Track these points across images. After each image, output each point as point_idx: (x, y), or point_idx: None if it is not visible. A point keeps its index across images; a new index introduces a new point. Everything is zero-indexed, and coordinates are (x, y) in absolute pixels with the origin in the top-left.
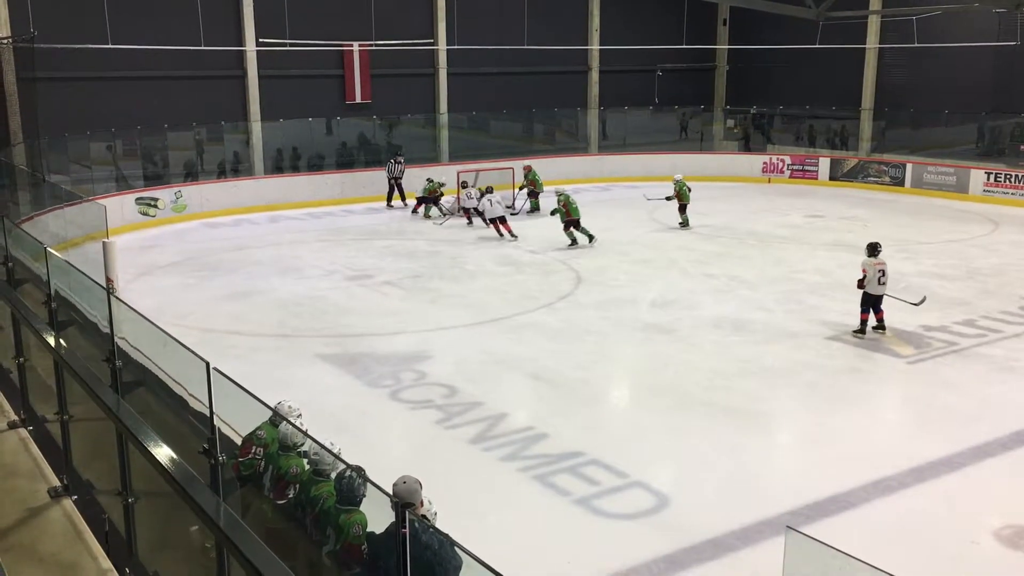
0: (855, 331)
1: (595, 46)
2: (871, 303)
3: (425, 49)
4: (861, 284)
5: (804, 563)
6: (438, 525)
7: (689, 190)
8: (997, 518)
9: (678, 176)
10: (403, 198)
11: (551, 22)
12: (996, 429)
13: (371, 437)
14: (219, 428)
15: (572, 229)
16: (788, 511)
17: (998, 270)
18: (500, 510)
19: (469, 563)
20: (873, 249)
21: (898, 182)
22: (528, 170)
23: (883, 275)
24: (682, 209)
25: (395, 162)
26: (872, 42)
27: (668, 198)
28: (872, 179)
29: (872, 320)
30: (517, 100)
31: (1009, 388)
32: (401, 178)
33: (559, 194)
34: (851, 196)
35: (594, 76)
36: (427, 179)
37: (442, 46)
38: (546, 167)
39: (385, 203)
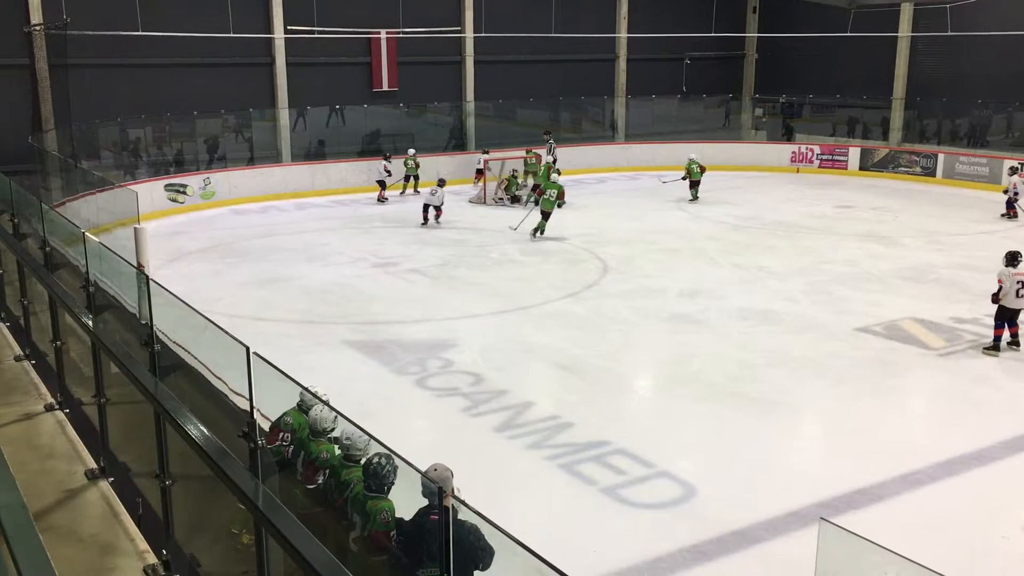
0: (987, 348)
1: (623, 34)
2: (1007, 317)
3: (452, 37)
4: (996, 298)
5: (838, 555)
6: (463, 514)
7: (700, 169)
8: None
9: (692, 155)
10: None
11: (579, 10)
12: None
13: (397, 424)
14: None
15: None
16: (816, 503)
17: None
18: (525, 499)
19: (513, 548)
20: (1013, 258)
21: (929, 172)
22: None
23: (1023, 287)
24: (691, 185)
25: (547, 141)
26: (904, 31)
27: (683, 178)
28: (903, 169)
29: (1006, 335)
30: (544, 88)
31: None
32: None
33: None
34: (881, 186)
35: (622, 64)
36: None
37: (469, 34)
38: (573, 155)
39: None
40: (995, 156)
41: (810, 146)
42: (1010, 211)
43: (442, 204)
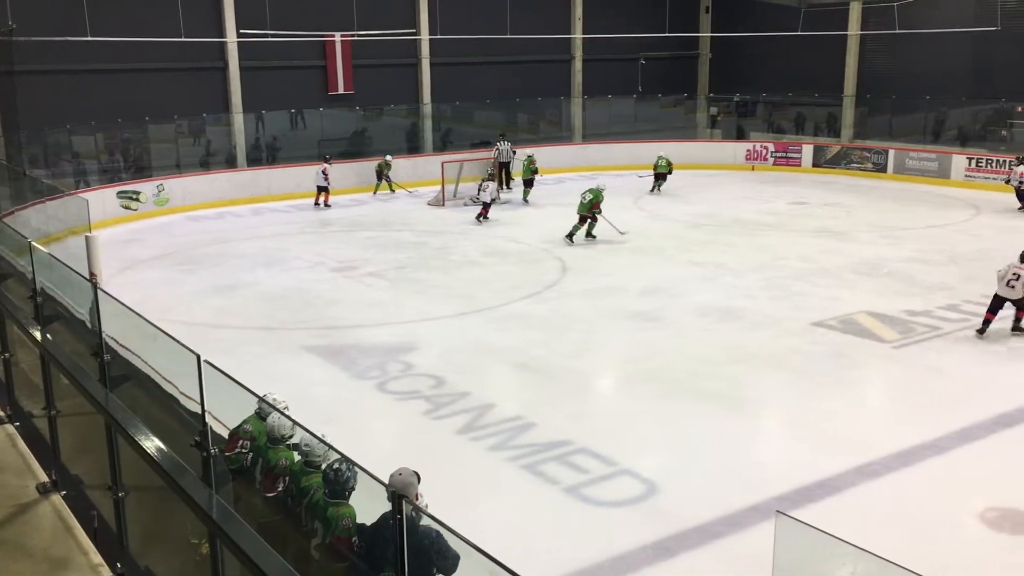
0: (978, 329)
1: (578, 35)
2: (1000, 304)
3: (408, 39)
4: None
5: (794, 547)
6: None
7: (667, 164)
8: (981, 500)
9: (661, 152)
10: (507, 183)
11: (534, 11)
12: (979, 412)
13: (359, 429)
14: (209, 422)
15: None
16: (775, 496)
17: (980, 255)
18: (488, 500)
19: (467, 551)
20: None
21: (881, 168)
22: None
23: (1017, 279)
24: (656, 178)
25: (502, 144)
26: (853, 29)
27: (653, 172)
28: (855, 165)
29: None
30: (501, 89)
31: (992, 371)
32: (510, 162)
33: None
34: (834, 183)
35: (577, 65)
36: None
37: (425, 36)
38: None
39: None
40: (944, 151)
41: (764, 144)
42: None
43: (492, 201)
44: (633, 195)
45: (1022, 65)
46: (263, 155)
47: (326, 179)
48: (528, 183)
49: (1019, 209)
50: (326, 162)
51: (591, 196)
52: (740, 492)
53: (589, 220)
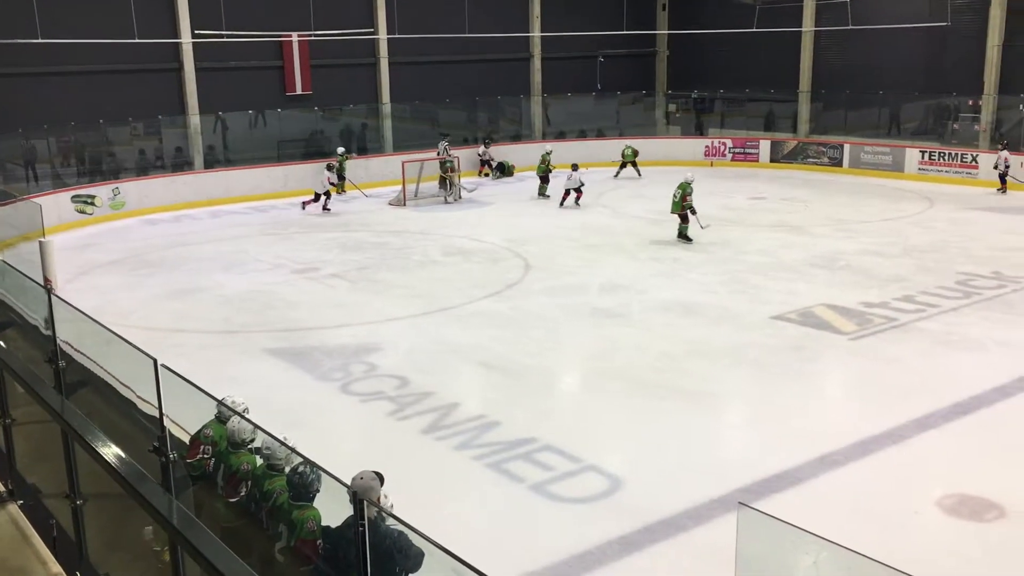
0: None
1: (536, 33)
2: None
3: (366, 38)
4: None
5: (757, 538)
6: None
7: (633, 153)
8: (939, 488)
9: (627, 143)
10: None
11: (492, 9)
12: (936, 401)
13: (323, 431)
14: (168, 427)
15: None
16: (739, 488)
17: (934, 246)
18: (455, 499)
19: (431, 550)
20: None
21: (836, 163)
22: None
23: None
24: (622, 166)
25: (445, 146)
26: (808, 25)
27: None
28: (811, 160)
29: None
30: (460, 89)
31: (947, 361)
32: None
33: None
34: (791, 177)
35: (536, 63)
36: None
37: (383, 35)
38: (492, 155)
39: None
40: (898, 145)
41: (723, 140)
42: (1004, 186)
43: (581, 186)
44: (594, 193)
45: (972, 59)
46: (220, 157)
47: (340, 180)
48: (544, 179)
49: (998, 191)
50: (328, 169)
51: (680, 191)
52: (704, 485)
53: (684, 218)
